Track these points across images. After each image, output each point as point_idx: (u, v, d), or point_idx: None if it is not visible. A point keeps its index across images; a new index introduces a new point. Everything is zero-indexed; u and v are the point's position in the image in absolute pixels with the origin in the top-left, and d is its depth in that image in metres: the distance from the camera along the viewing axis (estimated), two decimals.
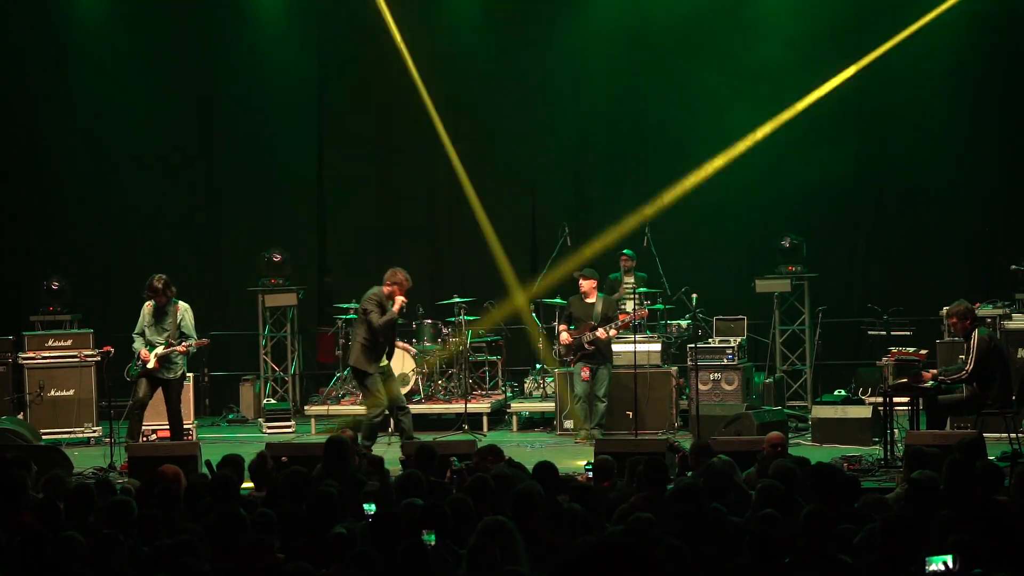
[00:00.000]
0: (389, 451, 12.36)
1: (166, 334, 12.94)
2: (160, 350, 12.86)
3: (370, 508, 7.84)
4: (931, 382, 12.08)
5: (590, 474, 9.45)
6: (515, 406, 15.69)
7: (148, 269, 13.42)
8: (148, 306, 13.06)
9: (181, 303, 13.11)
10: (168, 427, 13.49)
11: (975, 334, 11.85)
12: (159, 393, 13.12)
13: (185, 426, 14.31)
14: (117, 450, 12.78)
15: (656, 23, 17.00)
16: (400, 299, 13.00)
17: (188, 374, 14.59)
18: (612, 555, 4.38)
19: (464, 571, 6.47)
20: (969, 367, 11.81)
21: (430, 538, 6.65)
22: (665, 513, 7.25)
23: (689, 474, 9.42)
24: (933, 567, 5.47)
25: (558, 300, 15.35)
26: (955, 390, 12.03)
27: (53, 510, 7.52)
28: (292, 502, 7.99)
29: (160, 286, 12.98)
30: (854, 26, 16.61)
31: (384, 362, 13.12)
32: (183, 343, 12.94)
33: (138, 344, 13.03)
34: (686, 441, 12.47)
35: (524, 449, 13.66)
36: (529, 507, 7.22)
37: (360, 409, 15.15)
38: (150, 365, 12.85)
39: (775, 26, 16.71)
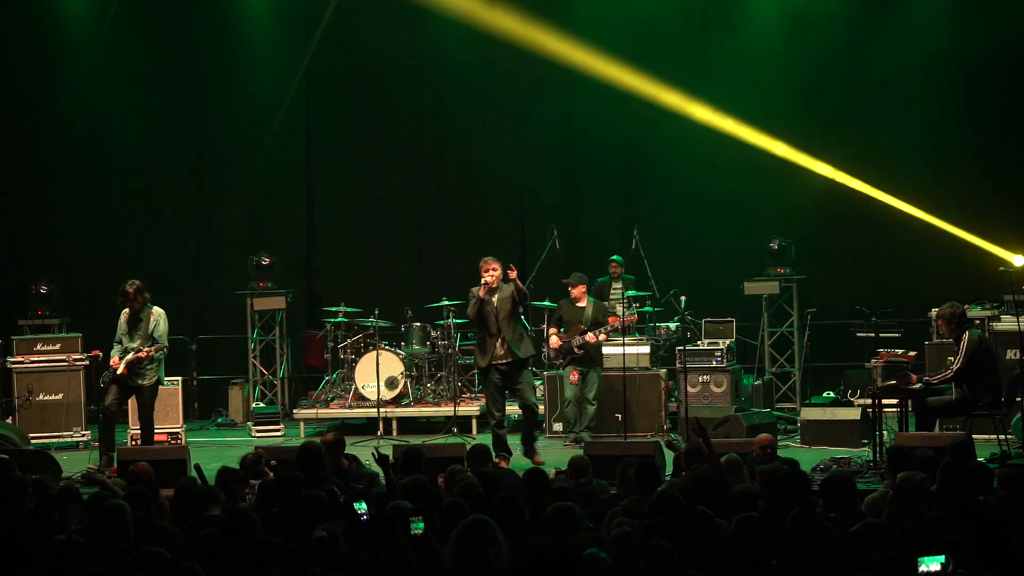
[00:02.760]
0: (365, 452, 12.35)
1: (138, 340, 12.68)
2: (130, 356, 12.61)
3: (360, 507, 7.82)
4: (919, 384, 12.10)
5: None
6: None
7: (137, 273, 13.39)
8: (125, 313, 12.81)
9: (156, 309, 12.83)
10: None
11: (966, 335, 11.86)
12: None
13: (174, 430, 14.32)
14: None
15: (646, 29, 17.00)
16: (484, 279, 12.70)
17: (176, 378, 14.60)
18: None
19: (451, 570, 6.47)
20: (956, 366, 11.83)
21: (419, 526, 6.62)
22: (655, 515, 7.26)
23: (683, 475, 9.43)
24: (925, 568, 5.48)
25: (547, 303, 15.34)
26: (944, 392, 12.05)
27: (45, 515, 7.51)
28: (280, 505, 8.00)
29: (131, 291, 12.68)
30: (844, 29, 16.65)
31: (503, 357, 12.79)
32: (144, 348, 12.61)
33: (115, 351, 12.83)
34: (679, 442, 12.47)
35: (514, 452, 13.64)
36: (513, 511, 7.25)
37: (350, 412, 15.24)
38: (119, 371, 12.61)
39: (764, 32, 16.78)
